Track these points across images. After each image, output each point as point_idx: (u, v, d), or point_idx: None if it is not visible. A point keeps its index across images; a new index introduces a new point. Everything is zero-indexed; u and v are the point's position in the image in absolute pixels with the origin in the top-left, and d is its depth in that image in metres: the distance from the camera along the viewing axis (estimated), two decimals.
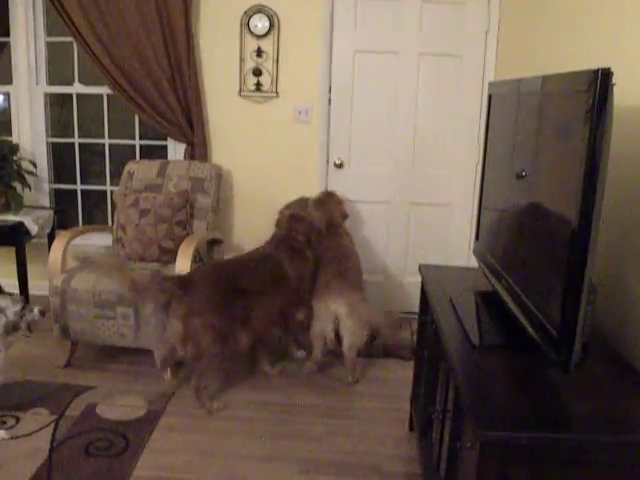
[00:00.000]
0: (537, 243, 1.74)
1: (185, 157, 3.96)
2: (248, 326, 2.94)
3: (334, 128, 3.92)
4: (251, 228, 4.01)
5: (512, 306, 1.87)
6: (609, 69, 1.32)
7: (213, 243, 3.73)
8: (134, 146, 4.20)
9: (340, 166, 3.97)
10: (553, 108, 1.66)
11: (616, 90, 1.35)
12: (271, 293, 3.05)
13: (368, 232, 4.11)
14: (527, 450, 1.38)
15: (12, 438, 2.58)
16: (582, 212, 1.38)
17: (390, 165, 3.99)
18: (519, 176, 1.93)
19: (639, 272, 1.80)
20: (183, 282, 2.86)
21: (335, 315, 3.10)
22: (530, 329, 1.69)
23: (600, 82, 1.33)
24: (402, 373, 3.29)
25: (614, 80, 1.34)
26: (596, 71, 1.33)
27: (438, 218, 4.05)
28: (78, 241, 3.62)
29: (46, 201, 4.24)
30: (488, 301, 2.19)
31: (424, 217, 4.06)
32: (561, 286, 1.48)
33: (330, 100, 3.90)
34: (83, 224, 4.36)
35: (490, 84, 2.43)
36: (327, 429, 2.79)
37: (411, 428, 2.77)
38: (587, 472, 1.39)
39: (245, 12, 3.80)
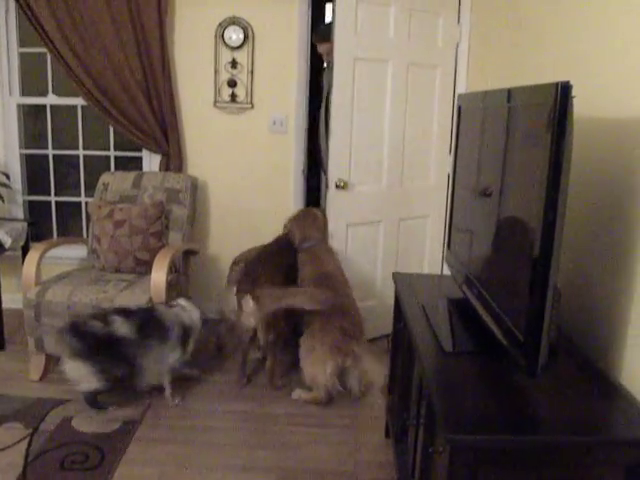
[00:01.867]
0: (503, 250, 1.78)
1: (160, 168, 3.97)
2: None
3: (334, 146, 3.48)
4: (227, 238, 4.02)
5: (482, 312, 1.91)
6: (568, 82, 1.37)
7: (189, 254, 3.73)
8: (109, 157, 4.19)
9: (343, 187, 3.53)
10: (516, 120, 1.71)
11: (581, 101, 1.39)
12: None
13: (362, 256, 3.76)
14: (497, 453, 1.41)
15: None
16: (545, 220, 1.42)
17: (383, 182, 3.72)
18: (485, 186, 1.98)
19: (603, 276, 1.85)
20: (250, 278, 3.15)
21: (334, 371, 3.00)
22: (499, 334, 1.72)
23: (560, 95, 1.38)
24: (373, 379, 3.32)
25: (574, 93, 1.39)
26: (556, 85, 1.38)
27: (421, 230, 3.96)
28: (53, 253, 3.61)
29: (20, 213, 4.21)
30: (460, 308, 2.23)
31: (409, 231, 3.91)
32: (526, 292, 1.52)
33: (326, 114, 3.65)
34: (58, 236, 4.33)
35: (459, 96, 2.48)
36: (304, 438, 2.80)
37: (387, 435, 2.79)
38: (556, 473, 1.43)
39: (220, 24, 3.82)
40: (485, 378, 1.71)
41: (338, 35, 3.33)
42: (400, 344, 2.49)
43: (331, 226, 3.54)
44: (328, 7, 4.16)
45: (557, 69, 2.28)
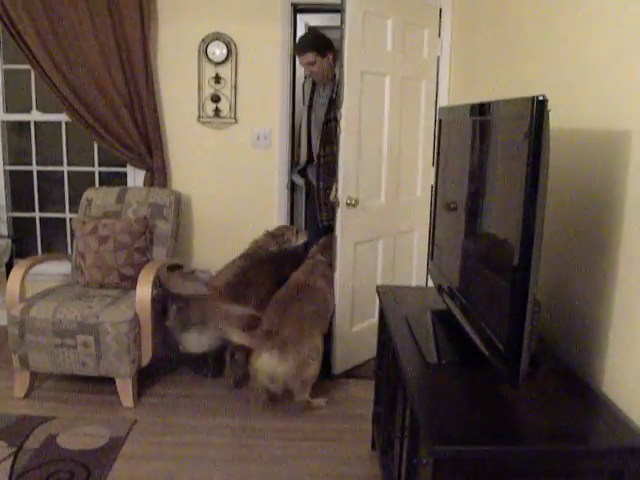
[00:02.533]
0: (484, 262, 1.81)
1: (145, 183, 3.97)
2: None
3: (344, 162, 3.31)
4: (211, 253, 4.02)
5: (464, 323, 1.93)
6: (544, 96, 1.40)
7: (173, 268, 3.72)
8: (94, 173, 4.19)
9: (354, 205, 3.37)
10: (494, 133, 1.74)
11: (561, 114, 1.43)
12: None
13: (364, 273, 3.61)
14: (479, 463, 1.43)
15: None
16: (523, 232, 1.45)
17: (382, 197, 3.62)
18: (464, 199, 2.01)
19: (583, 286, 1.89)
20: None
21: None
22: (481, 345, 1.75)
23: (536, 109, 1.41)
24: (364, 393, 3.32)
25: (553, 106, 1.42)
26: (532, 98, 1.41)
27: (409, 243, 3.89)
28: (37, 269, 3.60)
29: (4, 230, 4.19)
30: (443, 320, 2.25)
31: (401, 245, 3.82)
32: (506, 303, 1.54)
33: (338, 129, 3.32)
34: (43, 252, 4.32)
35: (440, 109, 2.51)
36: (291, 452, 2.80)
37: (374, 447, 2.80)
38: None
39: (203, 39, 3.85)
40: (468, 389, 1.73)
41: (348, 48, 3.19)
42: (384, 356, 2.50)
43: (340, 245, 3.39)
44: (300, 19, 4.14)
45: (538, 82, 2.32)
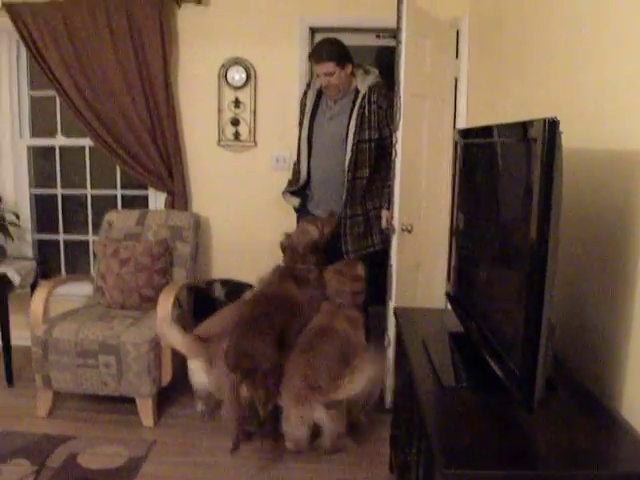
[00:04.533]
0: (499, 285, 1.82)
1: (166, 206, 4.04)
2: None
3: (400, 186, 3.16)
4: (229, 274, 4.06)
5: (481, 346, 1.93)
6: (555, 118, 1.42)
7: (193, 289, 3.77)
8: (116, 196, 4.27)
9: (409, 231, 3.26)
10: (506, 156, 1.76)
11: (577, 134, 1.43)
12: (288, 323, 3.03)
13: (403, 299, 3.32)
14: None
15: None
16: (537, 255, 1.46)
17: (421, 220, 3.50)
18: (479, 221, 2.02)
19: (601, 310, 1.88)
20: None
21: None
22: (496, 369, 1.75)
23: (548, 131, 1.42)
24: (383, 416, 3.31)
25: (568, 128, 1.43)
26: (544, 120, 1.43)
27: (436, 265, 3.74)
28: (61, 290, 3.69)
29: (30, 251, 4.29)
30: (460, 342, 2.25)
31: (432, 268, 3.70)
32: (521, 326, 1.55)
33: (392, 152, 3.16)
34: (66, 273, 4.40)
35: (456, 131, 2.53)
36: (309, 474, 2.80)
37: (392, 470, 2.79)
38: None
39: (222, 64, 3.93)
40: (483, 413, 1.73)
41: (405, 70, 3.08)
42: (402, 378, 2.50)
43: (395, 273, 3.22)
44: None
45: (553, 104, 2.33)
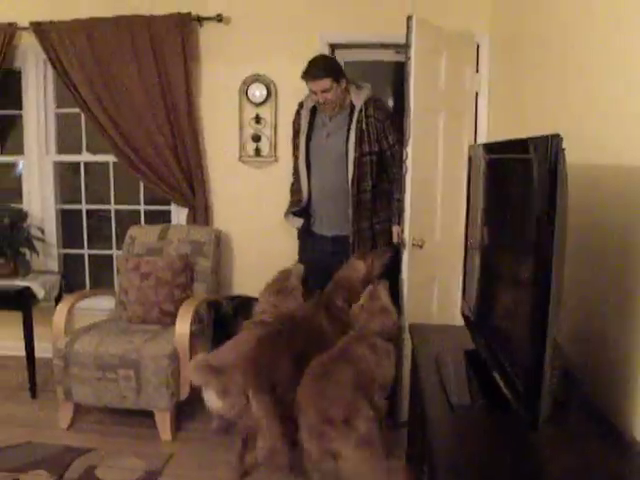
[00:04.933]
0: (506, 302, 1.80)
1: (188, 221, 4.09)
2: None
3: (411, 201, 3.19)
4: (250, 289, 4.07)
5: (490, 365, 1.92)
6: (559, 135, 1.41)
7: (214, 305, 3.80)
8: (139, 211, 4.35)
9: (421, 246, 3.25)
10: (513, 172, 1.75)
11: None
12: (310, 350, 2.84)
13: (418, 314, 3.28)
14: None
15: None
16: (541, 272, 1.45)
17: (437, 235, 3.51)
18: (486, 238, 2.01)
19: (615, 329, 1.85)
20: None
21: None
22: (504, 387, 1.73)
23: (551, 147, 1.41)
24: (400, 433, 3.28)
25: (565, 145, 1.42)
26: (547, 137, 1.42)
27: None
28: (85, 304, 3.77)
29: (55, 266, 4.37)
30: (472, 360, 2.23)
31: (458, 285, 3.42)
32: (526, 345, 1.53)
33: (403, 167, 3.18)
34: (91, 287, 4.47)
35: (469, 147, 2.53)
36: None
37: None
38: None
39: (243, 81, 3.98)
40: (491, 432, 1.72)
41: (415, 85, 3.11)
42: (415, 395, 2.49)
43: (407, 287, 3.23)
44: (337, 54, 4.10)
45: (573, 118, 2.28)
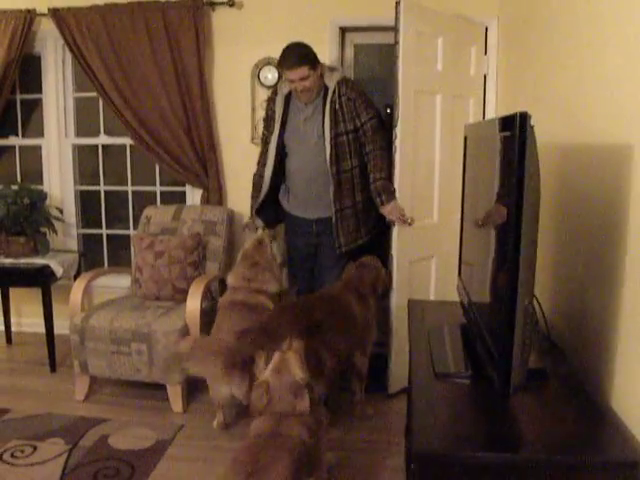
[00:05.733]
0: (486, 274, 1.86)
1: (202, 201, 4.19)
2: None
3: (400, 180, 3.35)
4: None
5: (474, 337, 1.98)
6: (526, 113, 1.46)
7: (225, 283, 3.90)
8: (155, 192, 4.46)
9: (410, 224, 3.40)
10: (493, 150, 1.80)
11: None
12: (341, 331, 2.98)
13: (418, 291, 3.56)
14: (464, 470, 1.46)
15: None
16: (511, 242, 1.50)
17: (434, 216, 3.65)
18: (473, 214, 2.06)
19: (595, 301, 1.89)
20: (269, 331, 2.76)
21: None
22: (483, 355, 1.79)
23: (519, 124, 1.47)
24: (404, 407, 3.36)
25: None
26: (515, 115, 1.48)
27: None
28: (103, 282, 3.93)
29: (74, 245, 4.52)
30: (464, 334, 2.29)
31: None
32: (500, 311, 1.59)
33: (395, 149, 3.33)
34: (109, 266, 4.62)
35: (465, 126, 2.56)
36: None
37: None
38: None
39: (255, 64, 4.05)
40: (470, 399, 1.78)
41: (403, 67, 3.26)
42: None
43: (396, 264, 3.40)
44: (347, 37, 4.17)
45: (585, 96, 2.25)
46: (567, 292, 2.16)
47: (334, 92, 3.39)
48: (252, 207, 3.71)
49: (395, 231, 3.36)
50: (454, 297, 3.64)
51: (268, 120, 3.63)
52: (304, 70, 3.29)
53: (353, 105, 3.39)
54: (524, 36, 3.21)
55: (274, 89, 3.66)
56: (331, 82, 3.41)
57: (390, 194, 3.34)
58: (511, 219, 1.50)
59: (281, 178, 3.64)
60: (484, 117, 3.91)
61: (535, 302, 1.95)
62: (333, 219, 3.45)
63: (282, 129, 3.53)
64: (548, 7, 2.70)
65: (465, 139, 2.51)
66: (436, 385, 1.84)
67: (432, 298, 3.67)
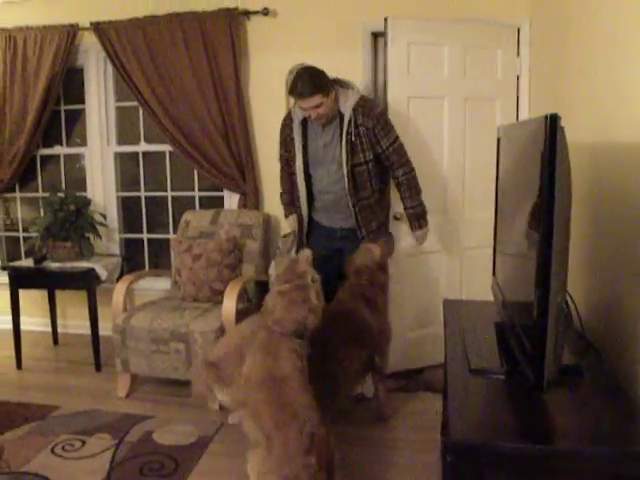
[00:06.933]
0: (521, 273, 1.90)
1: (239, 206, 4.29)
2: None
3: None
4: None
5: (509, 333, 2.02)
6: (557, 114, 1.51)
7: (262, 284, 3.99)
8: (194, 197, 4.58)
9: (399, 219, 3.66)
10: (527, 150, 1.85)
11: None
12: (357, 345, 3.00)
13: (423, 284, 3.88)
14: (499, 461, 1.51)
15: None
16: (543, 242, 1.55)
17: (444, 213, 3.86)
18: (508, 213, 2.11)
19: (634, 299, 1.92)
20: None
21: None
22: (517, 352, 1.84)
23: (550, 125, 1.52)
24: (440, 405, 3.40)
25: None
26: (546, 117, 1.53)
27: (484, 259, 3.67)
28: (145, 285, 4.09)
29: (117, 249, 4.67)
30: (498, 332, 2.33)
31: (473, 260, 3.93)
32: (533, 309, 1.64)
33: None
34: (149, 269, 4.75)
35: (498, 128, 2.61)
36: (363, 458, 2.93)
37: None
38: None
39: (290, 71, 4.13)
40: (504, 394, 1.82)
41: (391, 76, 3.61)
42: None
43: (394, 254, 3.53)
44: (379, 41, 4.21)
45: (621, 104, 2.25)
46: (601, 290, 2.18)
47: (349, 122, 3.28)
48: (294, 231, 3.62)
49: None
50: (473, 293, 3.84)
51: (285, 145, 3.55)
52: (317, 98, 3.17)
53: (372, 133, 3.28)
54: (557, 37, 3.22)
55: (287, 114, 3.57)
56: (346, 108, 3.29)
57: (424, 221, 3.44)
58: (542, 216, 1.55)
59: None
60: (517, 118, 3.94)
61: (569, 299, 2.00)
62: (359, 235, 3.43)
63: (304, 154, 3.44)
64: (581, 8, 2.72)
65: (498, 140, 2.55)
66: (471, 381, 1.88)
67: (441, 291, 3.89)
